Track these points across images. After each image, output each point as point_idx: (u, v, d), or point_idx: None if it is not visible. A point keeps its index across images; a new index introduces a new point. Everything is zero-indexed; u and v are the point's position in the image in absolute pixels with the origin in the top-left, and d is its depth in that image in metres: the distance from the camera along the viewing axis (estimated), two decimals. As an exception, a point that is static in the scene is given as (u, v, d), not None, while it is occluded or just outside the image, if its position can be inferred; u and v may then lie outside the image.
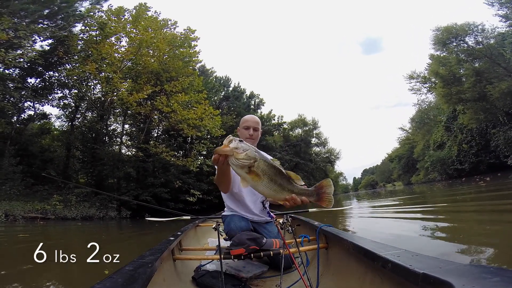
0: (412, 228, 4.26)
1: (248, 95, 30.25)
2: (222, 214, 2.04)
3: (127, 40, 15.86)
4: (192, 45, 17.71)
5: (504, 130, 20.36)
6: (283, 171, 1.06)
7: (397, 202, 9.56)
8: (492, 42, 20.80)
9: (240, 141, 1.02)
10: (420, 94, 30.25)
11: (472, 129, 24.20)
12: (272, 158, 1.10)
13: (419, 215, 5.64)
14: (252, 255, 1.55)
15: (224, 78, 29.20)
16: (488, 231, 3.38)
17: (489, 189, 8.88)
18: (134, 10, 16.51)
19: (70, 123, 16.29)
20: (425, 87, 29.16)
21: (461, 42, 22.36)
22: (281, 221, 1.81)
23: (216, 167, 1.36)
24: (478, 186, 10.63)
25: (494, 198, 6.74)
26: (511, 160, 19.79)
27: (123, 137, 17.04)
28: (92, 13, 14.96)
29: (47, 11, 13.20)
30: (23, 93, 13.35)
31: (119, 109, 16.35)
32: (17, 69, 12.82)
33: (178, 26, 17.68)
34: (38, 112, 15.44)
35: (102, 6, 15.36)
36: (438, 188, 14.81)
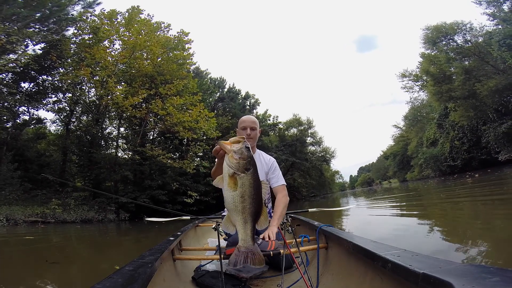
0: (398, 222, 4.56)
1: (243, 95, 30.28)
2: (222, 214, 2.04)
3: (120, 43, 15.88)
4: (186, 48, 17.80)
5: (494, 126, 20.75)
6: (262, 203, 1.00)
7: (391, 199, 9.88)
8: (480, 40, 21.23)
9: (247, 148, 0.98)
10: (412, 92, 30.64)
11: (464, 126, 24.67)
12: (264, 180, 1.05)
13: (406, 212, 5.96)
14: None
15: (219, 79, 29.21)
16: (459, 224, 3.73)
17: (474, 186, 9.28)
18: (127, 13, 16.53)
19: (65, 127, 16.23)
20: (417, 85, 29.57)
21: (451, 40, 22.78)
22: (281, 221, 1.80)
23: (216, 158, 1.34)
24: (465, 183, 11.01)
25: (472, 195, 7.17)
26: (502, 156, 20.23)
27: (119, 140, 17.05)
28: (84, 17, 14.95)
29: (38, 14, 13.15)
30: (17, 97, 13.30)
31: (114, 113, 16.35)
32: (10, 73, 12.76)
33: (171, 29, 17.76)
34: (33, 116, 15.37)
35: (95, 10, 15.32)
36: (429, 186, 15.20)
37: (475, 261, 2.07)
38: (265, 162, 2.03)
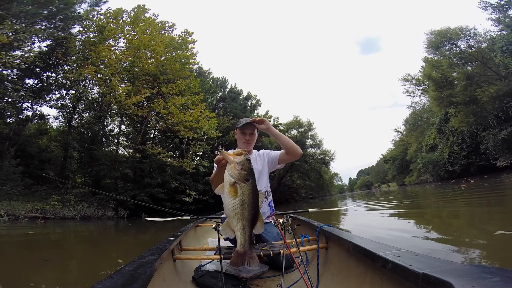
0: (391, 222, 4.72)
1: (244, 96, 30.33)
2: (222, 215, 2.05)
3: (125, 41, 16.01)
4: (190, 48, 17.93)
5: (493, 133, 20.69)
6: (258, 210, 1.05)
7: (389, 202, 10.03)
8: (484, 46, 21.13)
9: (248, 160, 1.04)
10: (414, 96, 30.69)
11: (463, 131, 24.68)
12: (261, 191, 1.10)
13: (404, 214, 6.14)
14: None
15: (221, 79, 29.31)
16: (444, 224, 3.93)
17: (464, 192, 9.42)
18: (132, 12, 16.67)
19: (67, 124, 16.38)
20: (419, 90, 29.61)
21: (454, 45, 22.71)
22: (281, 221, 1.78)
23: (215, 166, 1.38)
24: (459, 188, 11.16)
25: (455, 201, 7.35)
26: (500, 163, 20.25)
27: (120, 138, 17.19)
28: (90, 15, 15.09)
29: (45, 12, 13.28)
30: (21, 93, 13.43)
31: (116, 110, 16.48)
32: (15, 69, 12.90)
33: (175, 29, 17.89)
34: (36, 112, 15.53)
35: (101, 9, 15.47)
36: (425, 191, 15.31)
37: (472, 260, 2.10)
38: (261, 156, 2.13)
